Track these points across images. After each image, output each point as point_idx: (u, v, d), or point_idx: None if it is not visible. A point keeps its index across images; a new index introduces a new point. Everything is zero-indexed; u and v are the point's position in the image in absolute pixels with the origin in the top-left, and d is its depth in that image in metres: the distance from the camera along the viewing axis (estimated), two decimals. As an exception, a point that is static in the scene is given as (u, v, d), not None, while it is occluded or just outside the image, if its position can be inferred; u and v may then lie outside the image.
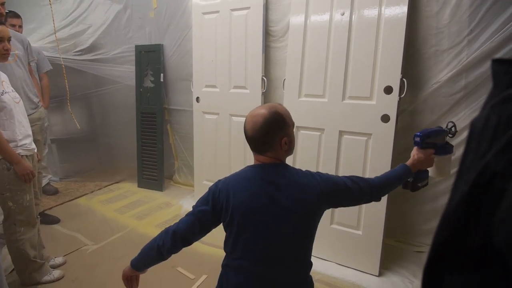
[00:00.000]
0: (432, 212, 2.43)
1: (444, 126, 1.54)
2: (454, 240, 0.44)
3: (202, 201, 1.30)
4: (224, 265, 1.32)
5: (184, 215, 1.32)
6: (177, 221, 1.33)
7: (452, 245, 0.45)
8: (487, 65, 2.07)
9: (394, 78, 2.13)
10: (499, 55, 2.01)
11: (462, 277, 0.44)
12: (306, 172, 1.29)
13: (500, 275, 0.40)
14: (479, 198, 0.41)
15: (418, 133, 1.45)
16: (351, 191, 1.28)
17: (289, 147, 1.28)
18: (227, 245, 1.29)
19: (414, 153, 1.48)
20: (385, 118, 2.17)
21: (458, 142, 2.19)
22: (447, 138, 1.54)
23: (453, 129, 1.54)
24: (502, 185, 0.38)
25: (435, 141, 1.48)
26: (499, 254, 0.38)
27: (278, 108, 1.26)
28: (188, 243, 1.31)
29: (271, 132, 1.22)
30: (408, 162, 1.46)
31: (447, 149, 1.52)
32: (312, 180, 1.24)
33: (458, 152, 2.17)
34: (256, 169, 1.27)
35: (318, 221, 1.27)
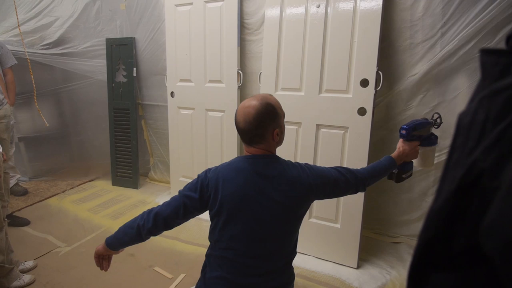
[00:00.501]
0: (408, 204, 2.47)
1: (429, 117, 1.56)
2: (440, 239, 0.43)
3: (190, 187, 1.29)
4: (208, 255, 1.32)
5: (170, 198, 1.32)
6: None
7: (437, 244, 0.44)
8: (459, 57, 2.10)
9: (370, 71, 2.13)
10: (472, 47, 2.04)
11: (448, 276, 0.43)
12: (296, 164, 1.29)
13: (486, 274, 0.39)
14: (466, 196, 0.40)
15: (404, 126, 1.46)
16: (338, 183, 1.30)
17: (280, 138, 1.30)
18: (213, 235, 1.29)
19: (400, 145, 1.49)
20: (362, 111, 2.18)
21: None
22: (432, 129, 1.55)
23: (438, 120, 1.55)
24: (489, 183, 0.37)
25: (420, 133, 1.49)
26: (485, 255, 0.37)
27: (269, 99, 1.26)
28: (169, 227, 1.30)
29: (264, 123, 1.22)
30: (394, 154, 1.47)
31: (432, 140, 1.54)
32: (303, 174, 1.26)
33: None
34: (247, 161, 1.27)
35: (305, 213, 1.31)
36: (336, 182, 1.30)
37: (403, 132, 1.46)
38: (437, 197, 0.45)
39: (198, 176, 1.31)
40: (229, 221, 1.23)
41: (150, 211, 1.30)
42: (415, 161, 1.55)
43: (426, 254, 0.45)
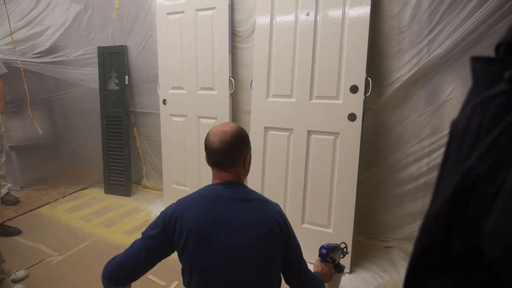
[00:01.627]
0: (399, 208, 2.49)
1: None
2: (436, 245, 0.43)
3: (152, 225, 1.21)
4: None
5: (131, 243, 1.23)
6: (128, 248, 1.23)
7: (434, 250, 0.44)
8: (446, 62, 2.14)
9: (359, 77, 2.16)
10: (458, 53, 2.09)
11: (445, 281, 0.44)
12: (271, 202, 1.26)
13: (484, 279, 0.40)
14: (462, 202, 0.40)
15: (324, 246, 1.47)
16: (297, 259, 1.26)
17: (249, 167, 1.29)
18: (185, 277, 1.20)
19: (318, 264, 1.47)
20: (352, 117, 2.20)
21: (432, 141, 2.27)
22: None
23: (345, 249, 1.58)
24: (485, 188, 0.37)
25: (334, 257, 1.51)
26: (483, 259, 0.37)
27: (241, 126, 1.27)
28: (133, 278, 1.22)
29: (239, 145, 1.21)
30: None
31: (341, 267, 1.55)
32: (276, 214, 1.21)
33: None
34: (214, 186, 1.23)
35: (281, 258, 1.20)
36: (297, 256, 1.26)
37: (323, 251, 1.46)
38: (433, 203, 0.45)
39: (161, 212, 1.23)
40: (198, 252, 1.13)
41: (112, 261, 1.23)
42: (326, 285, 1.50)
43: (423, 261, 0.45)
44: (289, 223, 1.25)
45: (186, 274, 1.18)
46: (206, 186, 1.26)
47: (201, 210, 1.16)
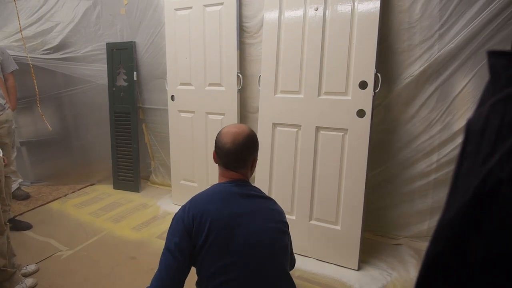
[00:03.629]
0: (408, 205, 2.47)
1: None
2: (451, 252, 0.41)
3: (172, 233, 1.18)
4: None
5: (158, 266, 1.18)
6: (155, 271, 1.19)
7: (448, 256, 0.42)
8: (457, 58, 2.11)
9: (369, 73, 2.14)
10: (470, 48, 2.05)
11: (459, 287, 0.42)
12: (266, 196, 1.34)
13: (504, 285, 0.38)
14: (481, 207, 0.38)
15: None
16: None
17: (254, 169, 1.34)
18: (205, 269, 1.16)
19: None
20: (361, 113, 2.18)
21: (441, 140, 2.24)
22: None
23: None
24: (510, 192, 0.35)
25: None
26: (503, 266, 0.36)
27: (252, 129, 1.30)
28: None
29: (250, 150, 1.24)
30: None
31: None
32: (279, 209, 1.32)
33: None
34: (226, 184, 1.25)
35: (289, 247, 1.31)
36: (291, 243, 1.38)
37: None
38: (448, 208, 0.43)
39: (174, 216, 1.22)
40: (222, 248, 1.14)
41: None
42: None
43: (436, 266, 0.43)
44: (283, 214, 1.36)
45: (205, 269, 1.16)
46: (215, 184, 1.27)
47: (219, 204, 1.18)
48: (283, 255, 1.23)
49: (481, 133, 0.39)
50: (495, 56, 0.39)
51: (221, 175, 1.28)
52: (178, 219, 1.19)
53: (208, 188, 1.27)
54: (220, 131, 1.28)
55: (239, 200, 1.20)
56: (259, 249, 1.16)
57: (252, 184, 1.31)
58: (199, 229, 1.14)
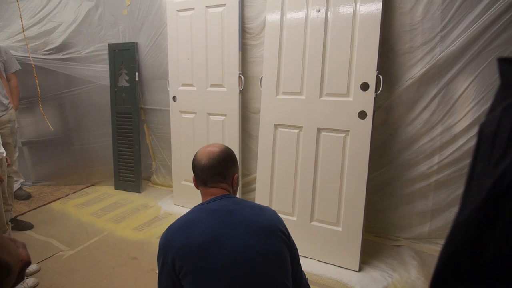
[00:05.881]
0: (409, 207, 2.47)
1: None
2: (467, 251, 0.42)
3: (159, 266, 1.15)
4: None
5: None
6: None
7: (464, 255, 0.43)
8: (459, 61, 2.11)
9: (370, 75, 2.15)
10: (471, 51, 2.05)
11: (475, 287, 0.43)
12: (258, 205, 1.25)
13: None
14: (496, 207, 0.39)
15: None
16: (294, 261, 1.23)
17: (237, 188, 1.28)
18: None
19: None
20: (362, 115, 2.19)
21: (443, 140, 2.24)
22: None
23: None
24: None
25: None
26: None
27: (228, 147, 1.28)
28: None
29: (227, 162, 1.22)
30: None
31: None
32: (274, 218, 1.21)
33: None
34: (205, 206, 1.18)
35: (287, 262, 1.17)
36: (299, 263, 1.25)
37: None
38: (463, 209, 0.44)
39: (159, 247, 1.16)
40: (202, 277, 1.07)
41: None
42: None
43: (451, 266, 0.44)
44: (287, 229, 1.23)
45: None
46: (195, 207, 1.21)
47: (188, 232, 1.11)
48: (278, 269, 1.12)
49: (494, 136, 0.40)
50: (505, 63, 0.41)
51: (203, 196, 1.24)
52: (159, 250, 1.16)
53: (187, 212, 1.20)
54: (195, 154, 1.27)
55: (222, 219, 1.12)
56: (244, 268, 1.08)
57: (236, 197, 1.24)
58: (173, 266, 1.10)
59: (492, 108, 0.42)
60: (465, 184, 0.45)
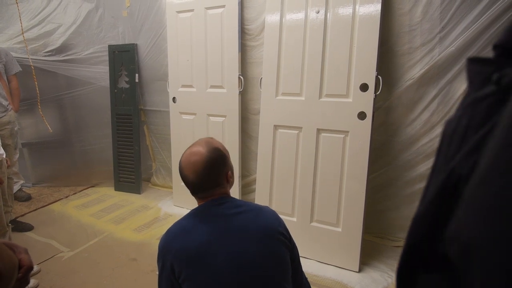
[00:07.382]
0: (409, 207, 2.47)
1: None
2: (425, 243, 0.44)
3: (159, 270, 1.15)
4: None
5: None
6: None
7: (422, 247, 0.45)
8: (458, 62, 2.11)
9: (370, 76, 2.15)
10: (470, 51, 2.06)
11: (434, 276, 0.45)
12: (257, 207, 1.23)
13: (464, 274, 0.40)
14: (446, 202, 0.41)
15: None
16: (294, 261, 1.22)
17: (233, 180, 1.24)
18: None
19: None
20: (362, 115, 2.19)
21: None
22: None
23: None
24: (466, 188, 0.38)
25: None
26: (463, 257, 0.38)
27: (214, 144, 1.19)
28: None
29: (215, 171, 1.16)
30: None
31: None
32: (273, 219, 1.19)
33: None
34: (202, 210, 1.18)
35: (288, 263, 1.17)
36: (299, 264, 1.25)
37: None
38: (421, 203, 0.46)
39: (158, 252, 1.17)
40: (200, 282, 1.07)
41: None
42: None
43: (413, 255, 0.46)
44: (288, 230, 1.22)
45: None
46: (192, 210, 1.20)
47: (185, 236, 1.11)
48: (277, 273, 1.11)
49: (452, 134, 0.42)
50: (471, 62, 0.42)
51: (198, 202, 1.22)
52: (158, 254, 1.16)
53: (183, 216, 1.20)
54: (180, 160, 1.19)
55: (219, 224, 1.12)
56: (242, 274, 1.07)
57: (234, 199, 1.22)
58: (172, 270, 1.10)
59: (458, 107, 0.44)
60: (427, 178, 0.47)
